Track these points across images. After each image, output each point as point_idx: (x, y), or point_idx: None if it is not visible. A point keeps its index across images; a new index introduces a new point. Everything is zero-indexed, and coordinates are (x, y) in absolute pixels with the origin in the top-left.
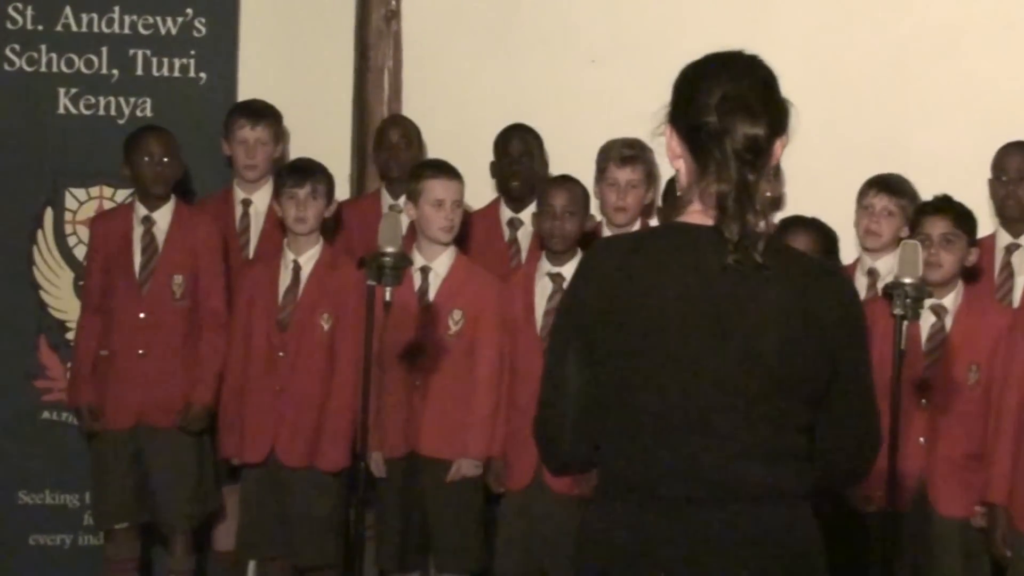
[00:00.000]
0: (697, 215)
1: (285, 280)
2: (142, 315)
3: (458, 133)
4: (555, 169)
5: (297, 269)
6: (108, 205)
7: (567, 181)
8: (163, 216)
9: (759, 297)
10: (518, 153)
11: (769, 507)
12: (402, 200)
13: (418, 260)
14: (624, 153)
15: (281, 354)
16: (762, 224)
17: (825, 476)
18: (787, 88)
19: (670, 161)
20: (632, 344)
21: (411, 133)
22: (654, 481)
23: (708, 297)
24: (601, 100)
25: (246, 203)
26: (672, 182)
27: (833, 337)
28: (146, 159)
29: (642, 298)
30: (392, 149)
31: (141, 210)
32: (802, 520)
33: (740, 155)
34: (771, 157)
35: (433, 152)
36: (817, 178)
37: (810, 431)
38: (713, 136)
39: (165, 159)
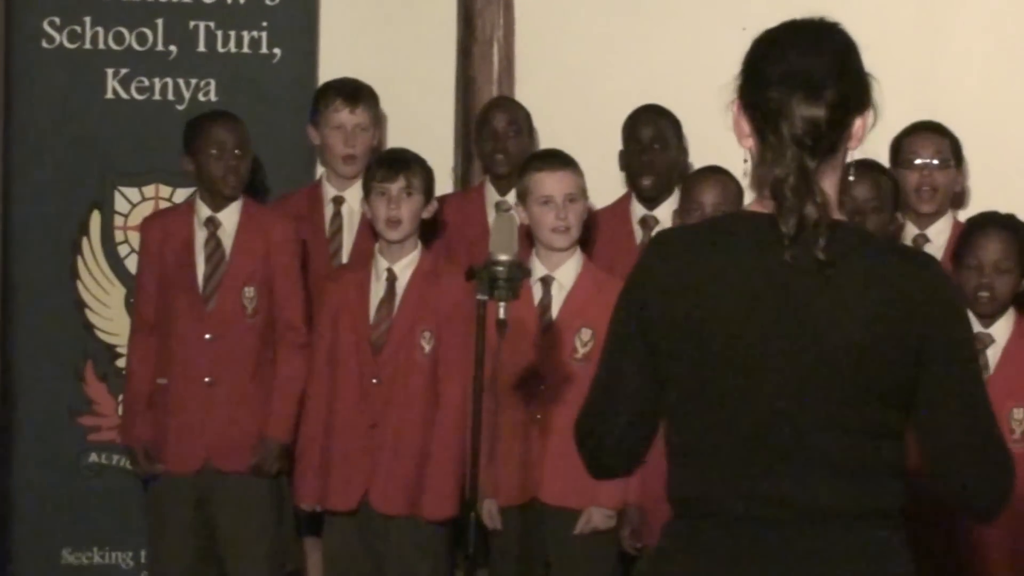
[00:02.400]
0: (760, 203)
1: (378, 292)
2: (208, 336)
3: (582, 117)
4: (696, 159)
5: (392, 279)
6: (166, 207)
7: (716, 173)
8: (229, 217)
9: (831, 292)
10: (649, 140)
11: (855, 529)
12: (511, 197)
13: (538, 269)
14: None
15: (375, 381)
16: (837, 215)
17: (949, 500)
18: (973, 65)
19: (738, 140)
20: (694, 351)
21: (519, 118)
22: (723, 499)
23: (774, 295)
24: None
25: (338, 201)
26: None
27: (918, 331)
28: (214, 151)
29: (703, 299)
30: (497, 138)
31: (204, 210)
32: (895, 546)
33: (798, 139)
34: (842, 140)
35: (551, 141)
36: (1010, 170)
37: (902, 439)
38: (769, 116)
39: (237, 151)
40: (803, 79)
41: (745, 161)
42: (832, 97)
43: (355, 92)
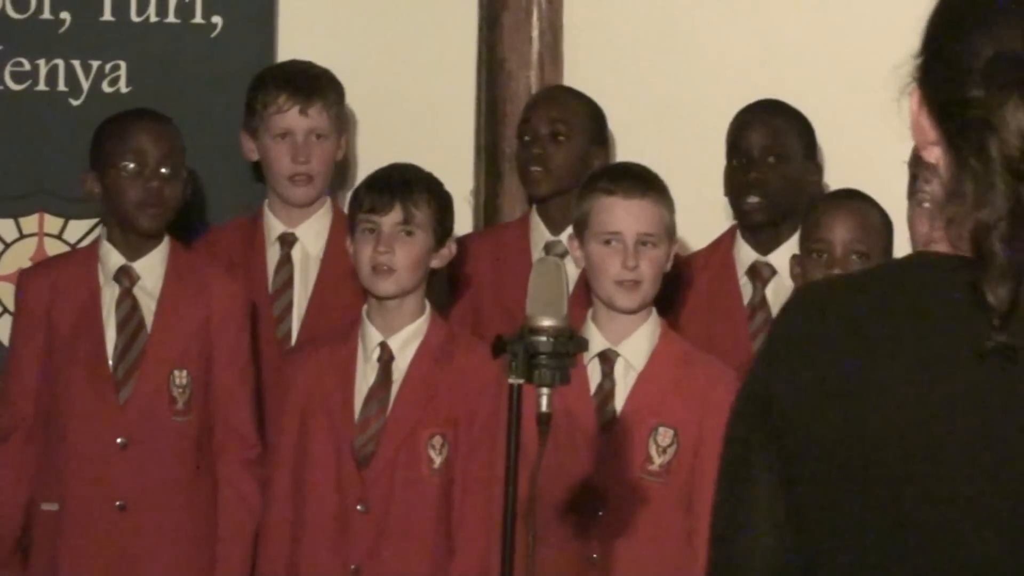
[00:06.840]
0: (952, 245)
1: (366, 378)
2: (120, 440)
3: (661, 118)
4: (833, 178)
5: (387, 359)
6: (55, 248)
7: (854, 200)
8: (151, 267)
9: None
10: (762, 150)
11: None
12: (565, 235)
13: (596, 340)
14: None
15: (360, 507)
16: None
17: None
18: None
19: (919, 147)
20: (864, 484)
21: (571, 116)
22: None
23: (979, 394)
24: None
25: (287, 241)
26: None
27: None
28: (130, 166)
29: (864, 395)
30: (542, 144)
31: (113, 256)
32: None
33: (1015, 165)
34: None
35: (617, 151)
36: None
37: None
38: (970, 127)
39: (164, 169)
40: (1022, 70)
41: (927, 181)
42: None
43: (306, 83)
